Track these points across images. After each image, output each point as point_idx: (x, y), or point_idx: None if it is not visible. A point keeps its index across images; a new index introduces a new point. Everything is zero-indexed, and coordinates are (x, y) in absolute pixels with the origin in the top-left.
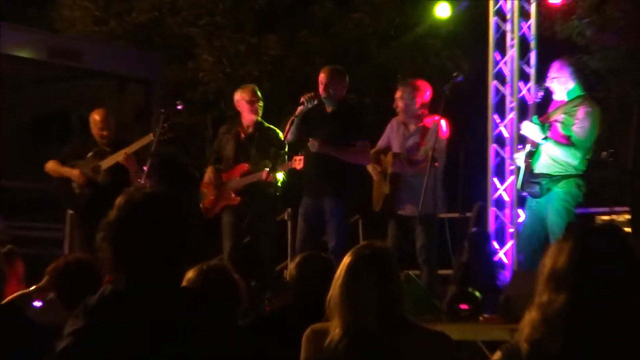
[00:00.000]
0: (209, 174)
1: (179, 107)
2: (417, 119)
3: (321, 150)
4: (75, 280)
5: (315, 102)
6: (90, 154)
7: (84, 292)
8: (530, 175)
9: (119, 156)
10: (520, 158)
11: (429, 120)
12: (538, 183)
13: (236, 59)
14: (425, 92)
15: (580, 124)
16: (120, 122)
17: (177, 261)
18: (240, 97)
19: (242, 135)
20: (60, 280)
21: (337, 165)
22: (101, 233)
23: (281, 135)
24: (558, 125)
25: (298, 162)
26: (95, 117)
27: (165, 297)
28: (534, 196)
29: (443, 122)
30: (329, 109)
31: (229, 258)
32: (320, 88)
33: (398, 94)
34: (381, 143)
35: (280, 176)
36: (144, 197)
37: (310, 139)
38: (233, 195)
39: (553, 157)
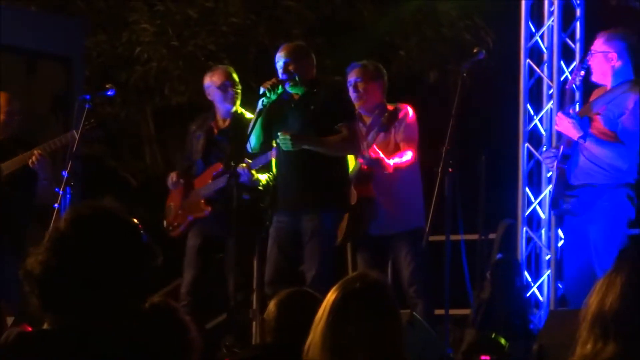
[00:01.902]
0: (172, 176)
1: (109, 93)
2: (374, 108)
3: (296, 145)
4: None
5: (281, 89)
6: None
7: None
8: (566, 187)
9: (26, 157)
10: (549, 164)
11: (389, 107)
12: (576, 196)
13: (185, 29)
14: (384, 76)
15: (629, 115)
16: (30, 112)
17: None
18: (209, 82)
19: (215, 131)
20: None
21: (318, 169)
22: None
23: None
24: (600, 118)
25: (272, 154)
26: None
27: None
28: (572, 214)
29: (410, 109)
30: (296, 96)
31: (187, 294)
32: (282, 71)
33: (351, 77)
34: None
35: (263, 177)
36: (94, 215)
37: (280, 134)
38: (203, 203)
39: (595, 161)
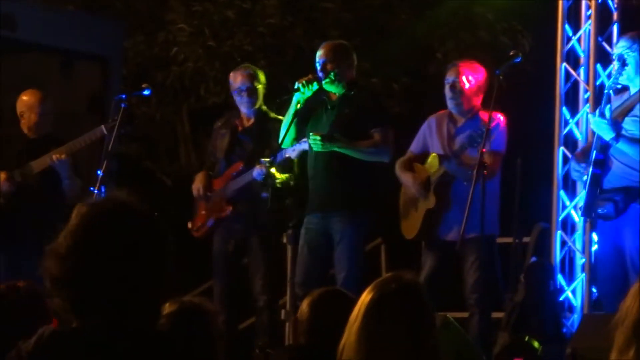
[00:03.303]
0: (196, 182)
1: (145, 93)
2: (469, 113)
3: (326, 146)
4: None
5: (316, 86)
6: (19, 151)
7: (24, 330)
8: (600, 191)
9: (50, 156)
10: (577, 170)
11: (484, 115)
12: (611, 200)
13: (222, 30)
14: (484, 77)
15: None
16: (67, 112)
17: (151, 296)
18: (231, 82)
19: (240, 129)
20: None
21: (349, 170)
22: (53, 251)
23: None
24: (633, 120)
25: (291, 152)
26: (28, 99)
27: (129, 344)
28: (607, 218)
29: (502, 118)
30: (334, 96)
31: (221, 304)
32: (319, 69)
33: (451, 76)
34: (414, 147)
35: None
36: (111, 210)
37: (311, 133)
38: (224, 203)
39: (629, 163)
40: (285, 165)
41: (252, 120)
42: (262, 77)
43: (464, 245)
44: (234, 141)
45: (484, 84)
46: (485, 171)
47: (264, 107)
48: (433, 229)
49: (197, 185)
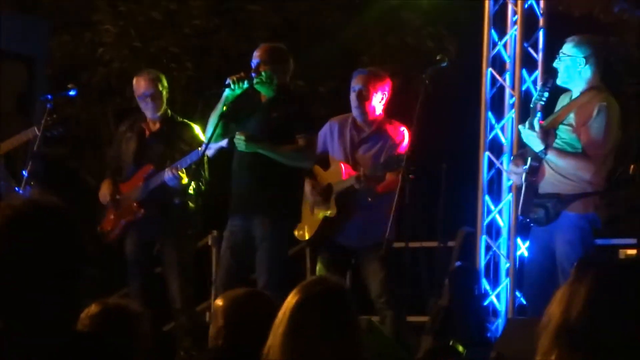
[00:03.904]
0: (103, 189)
1: (71, 93)
2: (373, 122)
3: (249, 147)
4: None
5: (246, 85)
6: None
7: None
8: (534, 196)
9: None
10: (517, 173)
11: (389, 126)
12: (543, 206)
13: (148, 31)
14: (390, 86)
15: (592, 123)
16: None
17: (69, 295)
18: (134, 88)
19: (147, 133)
20: None
21: (273, 173)
22: None
23: (197, 131)
24: (566, 128)
25: (209, 149)
26: None
27: (49, 342)
28: (539, 223)
29: (406, 132)
30: (264, 97)
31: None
32: (254, 68)
33: (358, 85)
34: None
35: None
36: (28, 208)
37: (237, 132)
38: (135, 206)
39: (560, 171)
40: (197, 168)
41: (158, 125)
42: (164, 80)
43: (363, 251)
44: (142, 145)
45: (389, 93)
46: (410, 175)
47: (169, 111)
48: (329, 234)
49: (104, 191)
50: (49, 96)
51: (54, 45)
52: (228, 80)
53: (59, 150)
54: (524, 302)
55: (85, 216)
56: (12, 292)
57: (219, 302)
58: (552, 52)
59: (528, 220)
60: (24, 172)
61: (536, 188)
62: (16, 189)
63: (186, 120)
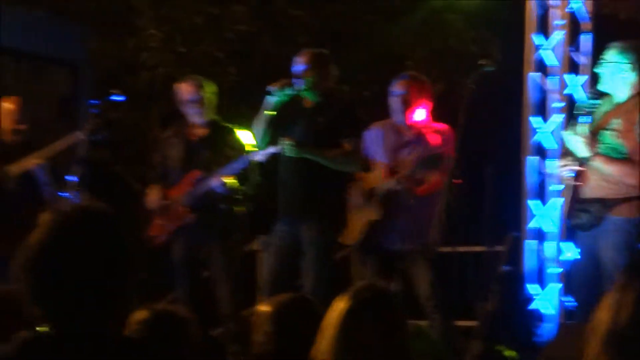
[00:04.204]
0: (151, 194)
1: (117, 98)
2: (415, 126)
3: (297, 152)
4: None
5: (290, 92)
6: None
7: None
8: (577, 202)
9: (30, 161)
10: (566, 176)
11: (431, 129)
12: (586, 211)
13: (192, 35)
14: (431, 90)
15: (639, 129)
16: (38, 117)
17: (118, 300)
18: (178, 94)
19: (193, 138)
20: None
21: (320, 176)
22: (19, 258)
23: (241, 136)
24: (611, 134)
25: (259, 155)
26: (9, 105)
27: (100, 348)
28: (582, 228)
29: (449, 133)
30: (308, 103)
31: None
32: (298, 75)
33: (399, 89)
34: None
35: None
36: (77, 215)
37: (284, 138)
38: (183, 211)
39: (604, 177)
40: (246, 173)
41: (204, 130)
42: (208, 87)
43: (409, 255)
44: (188, 150)
45: (431, 97)
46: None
47: (216, 117)
48: (374, 238)
49: (151, 197)
50: (95, 101)
51: (98, 50)
52: (271, 88)
53: (103, 154)
54: (572, 307)
55: (131, 221)
56: (62, 298)
57: (265, 307)
58: (597, 56)
59: (573, 225)
60: (68, 177)
61: (579, 193)
62: (62, 193)
63: (231, 125)
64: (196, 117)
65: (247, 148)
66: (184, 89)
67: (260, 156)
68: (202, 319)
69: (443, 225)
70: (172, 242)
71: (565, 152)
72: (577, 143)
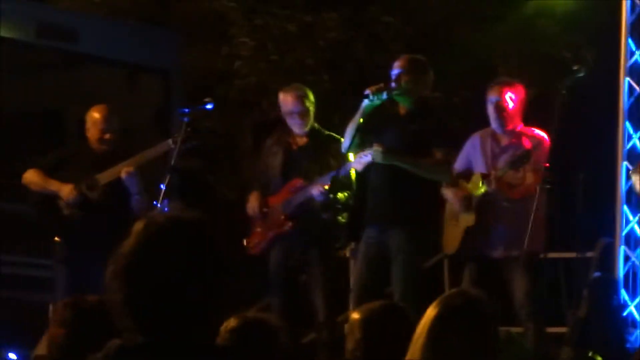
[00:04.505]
0: (252, 202)
1: (208, 106)
2: (512, 132)
3: (387, 159)
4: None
5: (385, 96)
6: (85, 164)
7: (93, 345)
8: None
9: (118, 169)
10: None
11: (527, 133)
12: None
13: (284, 43)
14: (524, 94)
15: None
16: (130, 125)
17: (211, 310)
18: (280, 103)
19: (294, 147)
20: (65, 327)
21: (410, 185)
22: (111, 267)
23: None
24: None
25: (357, 164)
26: (95, 115)
27: (191, 357)
28: None
29: (544, 136)
30: (402, 109)
31: (281, 317)
32: (394, 79)
33: (495, 96)
34: (458, 164)
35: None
36: (170, 224)
37: (375, 145)
38: (283, 219)
39: None
40: (345, 182)
41: (305, 139)
42: (311, 96)
43: (509, 262)
44: (289, 159)
45: (524, 101)
46: (548, 186)
47: (316, 125)
48: (474, 245)
49: (253, 204)
50: (186, 109)
51: (191, 59)
52: (367, 91)
53: (195, 163)
54: None
55: (224, 229)
56: (154, 307)
57: (356, 315)
58: None
59: None
60: (161, 186)
61: None
62: (154, 202)
63: (333, 134)
64: (298, 127)
65: (347, 157)
66: (288, 100)
67: (357, 164)
68: (296, 326)
69: (546, 233)
70: (270, 249)
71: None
72: None
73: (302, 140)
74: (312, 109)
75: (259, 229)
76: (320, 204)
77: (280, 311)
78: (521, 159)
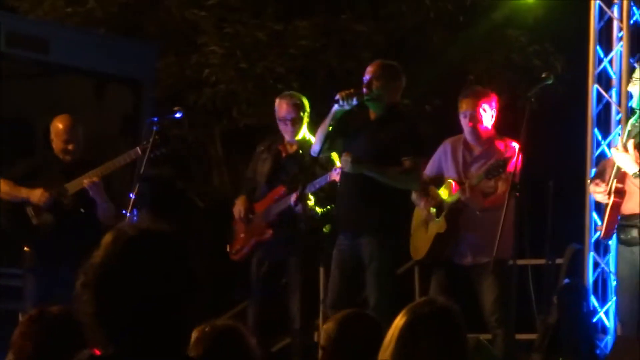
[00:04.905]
0: (238, 205)
1: (178, 115)
2: (485, 141)
3: (356, 168)
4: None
5: (356, 102)
6: (54, 174)
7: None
8: (622, 218)
9: (84, 179)
10: (599, 192)
11: (500, 143)
12: (634, 226)
13: (254, 52)
14: (496, 102)
15: None
16: (100, 134)
17: (182, 320)
18: (276, 109)
19: (283, 155)
20: (32, 340)
21: (380, 193)
22: (81, 279)
23: (336, 159)
24: None
25: (337, 175)
26: (58, 125)
27: None
28: (630, 244)
29: (516, 146)
30: (373, 115)
31: (255, 324)
32: (365, 85)
33: (467, 107)
34: (429, 170)
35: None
36: (139, 235)
37: (344, 154)
38: (265, 227)
39: None
40: (329, 192)
41: (295, 147)
42: (307, 105)
43: (478, 269)
44: (277, 166)
45: (497, 109)
46: (517, 193)
47: (307, 134)
48: (443, 252)
49: (239, 207)
50: (155, 118)
51: (160, 67)
52: (337, 96)
53: (165, 171)
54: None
55: (194, 236)
56: (124, 318)
57: (329, 323)
58: None
59: (622, 240)
60: (130, 194)
61: (621, 209)
62: (123, 211)
63: None
64: (289, 135)
65: (334, 164)
66: (283, 107)
67: (336, 175)
68: (271, 332)
69: (515, 240)
70: (251, 256)
71: (597, 174)
72: (625, 159)
73: (292, 148)
74: (305, 118)
75: (242, 235)
76: (299, 213)
77: (255, 317)
78: (497, 168)
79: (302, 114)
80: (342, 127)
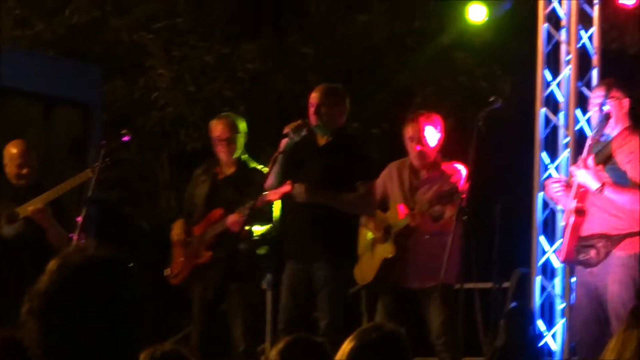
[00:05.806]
0: (176, 229)
1: (125, 138)
2: (431, 165)
3: (310, 198)
4: None
5: (305, 132)
6: (5, 198)
7: None
8: (582, 239)
9: (32, 205)
10: (555, 192)
11: (446, 166)
12: (592, 247)
13: (202, 75)
14: (442, 125)
15: (632, 158)
16: (47, 158)
17: (128, 347)
18: (211, 131)
19: (220, 177)
20: None
21: (331, 218)
22: (27, 306)
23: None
24: (611, 168)
25: (272, 194)
26: (12, 150)
27: None
28: (589, 265)
29: (463, 170)
30: (322, 140)
31: (198, 348)
32: (311, 111)
33: (413, 131)
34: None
35: (260, 228)
36: (85, 261)
37: (296, 184)
38: (203, 249)
39: (610, 210)
40: (265, 214)
41: (232, 169)
42: (242, 125)
43: (425, 293)
44: (214, 188)
45: (443, 132)
46: (465, 216)
47: (244, 156)
48: (390, 277)
49: (176, 231)
50: (103, 141)
51: (108, 90)
52: (286, 130)
53: (113, 194)
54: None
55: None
56: (69, 345)
57: (275, 349)
58: None
59: (575, 263)
60: (77, 218)
61: (581, 230)
62: (70, 235)
63: (259, 167)
64: (224, 155)
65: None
66: (218, 127)
67: (274, 195)
68: (214, 356)
69: (461, 264)
70: (191, 279)
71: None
72: (587, 177)
73: (230, 170)
74: (241, 139)
75: (181, 259)
76: (237, 235)
77: (198, 342)
78: (450, 195)
79: (235, 134)
80: (293, 155)
